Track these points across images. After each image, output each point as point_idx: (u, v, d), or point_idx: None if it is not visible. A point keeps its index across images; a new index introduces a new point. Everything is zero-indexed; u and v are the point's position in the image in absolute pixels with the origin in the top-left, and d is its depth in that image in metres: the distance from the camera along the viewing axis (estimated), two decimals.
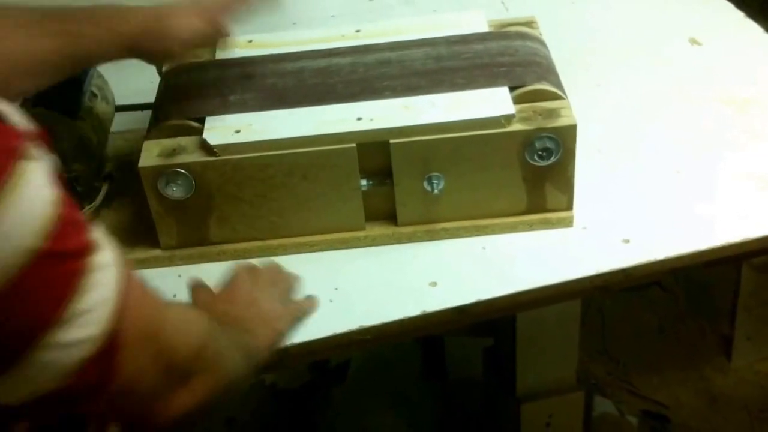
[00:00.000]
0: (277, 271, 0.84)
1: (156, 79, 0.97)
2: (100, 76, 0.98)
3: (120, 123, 1.01)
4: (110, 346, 0.54)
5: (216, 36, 0.85)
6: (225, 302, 0.78)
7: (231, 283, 0.81)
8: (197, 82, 0.91)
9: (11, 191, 0.48)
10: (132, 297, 0.56)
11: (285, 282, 0.82)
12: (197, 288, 0.81)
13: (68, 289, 0.51)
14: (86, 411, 0.57)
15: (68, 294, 0.51)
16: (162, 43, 0.81)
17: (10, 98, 0.82)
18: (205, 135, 0.84)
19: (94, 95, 0.95)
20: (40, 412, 0.55)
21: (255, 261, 0.85)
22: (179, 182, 0.83)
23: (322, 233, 0.88)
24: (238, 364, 0.69)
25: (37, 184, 0.50)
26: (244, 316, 0.77)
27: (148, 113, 0.92)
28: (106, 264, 0.54)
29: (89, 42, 0.78)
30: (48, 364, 0.51)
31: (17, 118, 0.51)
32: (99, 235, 0.55)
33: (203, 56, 0.98)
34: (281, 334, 0.77)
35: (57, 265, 0.51)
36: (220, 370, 0.66)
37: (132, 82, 1.07)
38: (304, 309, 0.81)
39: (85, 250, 0.53)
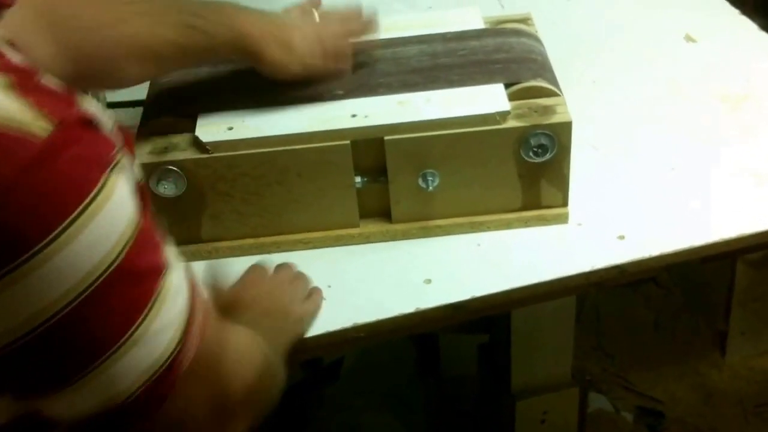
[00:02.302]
0: (292, 271, 0.83)
1: None
2: None
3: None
4: (170, 371, 0.53)
5: (329, 74, 0.84)
6: (250, 297, 0.77)
7: (250, 278, 0.80)
8: (190, 79, 0.91)
9: (99, 205, 0.47)
10: (198, 322, 0.55)
11: (301, 282, 0.81)
12: (217, 287, 0.78)
13: (141, 309, 0.50)
14: None
15: (141, 313, 0.50)
16: (284, 58, 0.80)
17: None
18: (198, 132, 0.83)
19: (84, 91, 0.94)
20: (88, 430, 0.54)
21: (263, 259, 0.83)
22: (171, 180, 0.83)
23: (316, 230, 0.88)
24: (281, 377, 0.67)
25: (123, 198, 0.49)
26: (269, 310, 0.75)
27: (139, 110, 0.91)
28: (177, 285, 0.54)
29: (206, 37, 0.78)
30: (111, 382, 0.50)
31: (109, 125, 0.51)
32: (171, 252, 0.54)
33: None
34: (301, 336, 0.76)
35: (133, 283, 0.50)
36: (270, 394, 0.65)
37: None
38: (318, 305, 0.80)
39: (160, 269, 0.52)
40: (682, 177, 0.92)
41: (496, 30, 0.95)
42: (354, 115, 0.84)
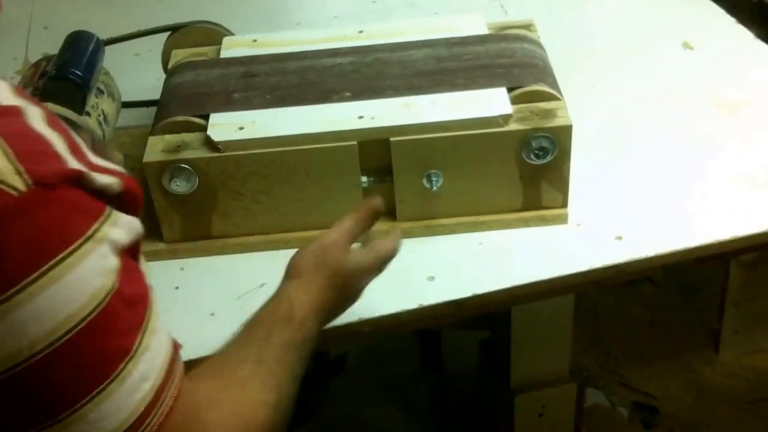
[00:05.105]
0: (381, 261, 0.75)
1: (162, 77, 0.99)
2: (107, 72, 1.00)
3: (126, 119, 1.03)
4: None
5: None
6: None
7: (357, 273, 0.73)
8: (202, 80, 0.93)
9: (70, 267, 0.46)
10: (171, 394, 0.53)
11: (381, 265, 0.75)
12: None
13: (108, 369, 0.49)
14: None
15: (107, 373, 0.49)
16: None
17: None
18: (209, 131, 0.85)
19: (101, 91, 0.96)
20: None
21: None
22: (183, 177, 0.85)
23: (323, 228, 0.88)
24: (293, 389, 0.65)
25: (86, 274, 0.47)
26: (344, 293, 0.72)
27: (153, 110, 0.93)
28: (154, 352, 0.51)
29: None
30: None
31: (104, 180, 0.49)
32: (154, 319, 0.52)
33: (208, 54, 0.99)
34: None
35: (100, 342, 0.48)
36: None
37: (138, 79, 1.09)
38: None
39: (133, 331, 0.50)
40: (679, 180, 0.94)
41: (499, 36, 0.97)
42: (361, 117, 0.85)
